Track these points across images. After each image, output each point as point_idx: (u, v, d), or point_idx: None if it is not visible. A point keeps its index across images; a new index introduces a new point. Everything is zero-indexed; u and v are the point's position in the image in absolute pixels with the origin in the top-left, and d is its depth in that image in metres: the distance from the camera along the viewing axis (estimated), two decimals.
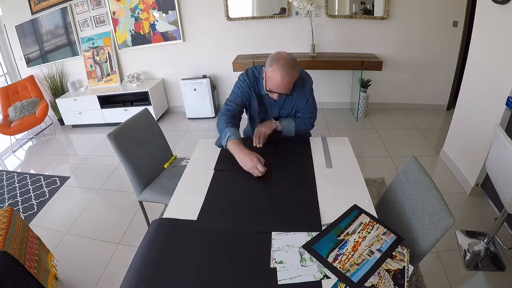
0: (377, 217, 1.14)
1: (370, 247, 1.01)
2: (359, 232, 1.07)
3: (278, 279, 0.93)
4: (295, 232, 1.08)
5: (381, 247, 1.01)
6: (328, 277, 0.92)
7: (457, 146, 2.56)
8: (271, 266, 0.97)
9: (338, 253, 1.00)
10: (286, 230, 1.09)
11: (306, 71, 1.69)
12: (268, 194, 1.30)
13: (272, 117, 1.72)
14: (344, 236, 1.06)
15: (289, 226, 1.10)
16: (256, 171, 1.35)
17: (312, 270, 0.95)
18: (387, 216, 1.31)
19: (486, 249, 1.78)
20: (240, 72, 1.80)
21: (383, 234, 1.05)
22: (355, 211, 1.16)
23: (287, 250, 1.02)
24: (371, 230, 1.07)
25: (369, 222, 1.11)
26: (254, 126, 1.78)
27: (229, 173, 1.44)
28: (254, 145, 1.57)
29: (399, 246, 1.02)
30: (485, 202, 2.21)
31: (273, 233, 1.08)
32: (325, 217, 1.15)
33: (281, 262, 0.98)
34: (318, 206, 1.19)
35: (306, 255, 1.00)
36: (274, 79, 1.41)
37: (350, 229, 1.08)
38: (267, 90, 1.51)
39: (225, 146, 1.49)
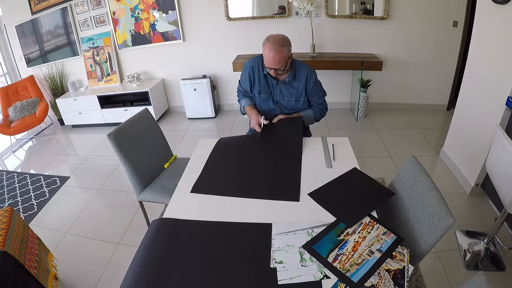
0: (377, 217, 1.14)
1: (370, 247, 1.01)
2: (359, 232, 1.07)
3: (278, 279, 0.93)
4: (295, 232, 1.08)
5: (381, 247, 1.01)
6: (328, 277, 0.92)
7: (457, 146, 2.56)
8: (271, 266, 0.97)
9: (338, 253, 1.00)
10: (268, 198, 1.26)
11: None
12: (258, 167, 1.51)
13: (277, 100, 1.86)
14: (344, 236, 1.06)
15: (271, 194, 1.28)
16: (256, 127, 1.74)
17: (312, 270, 0.95)
18: (387, 216, 1.31)
19: (486, 249, 1.78)
20: (240, 73, 1.88)
21: (383, 234, 1.05)
22: None
23: (287, 250, 1.02)
24: (371, 230, 1.07)
25: (369, 222, 1.11)
26: (257, 107, 1.92)
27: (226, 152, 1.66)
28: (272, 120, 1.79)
29: (399, 246, 1.02)
30: (485, 202, 2.21)
31: (273, 233, 1.08)
32: (325, 217, 1.15)
33: (281, 262, 0.98)
34: (300, 178, 1.36)
35: (306, 255, 1.00)
36: (265, 55, 1.64)
37: (350, 229, 1.08)
38: (266, 68, 1.73)
39: (243, 112, 1.91)
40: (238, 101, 2.00)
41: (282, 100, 1.84)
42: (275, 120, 1.79)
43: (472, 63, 2.33)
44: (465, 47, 3.24)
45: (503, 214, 1.60)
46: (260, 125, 1.73)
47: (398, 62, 3.56)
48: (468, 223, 2.02)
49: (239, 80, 1.97)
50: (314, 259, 0.98)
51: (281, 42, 1.61)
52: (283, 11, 3.48)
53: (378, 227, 1.08)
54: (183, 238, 1.10)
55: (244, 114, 1.94)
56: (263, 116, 1.74)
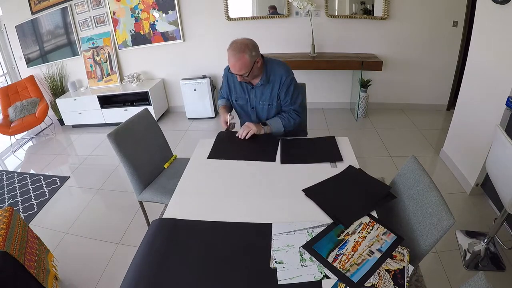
0: (377, 217, 1.14)
1: (370, 247, 1.01)
2: (359, 232, 1.07)
3: (278, 279, 0.93)
4: (295, 232, 1.08)
5: (381, 247, 1.01)
6: (328, 277, 0.92)
7: (457, 146, 2.56)
8: (271, 266, 0.97)
9: (338, 253, 1.00)
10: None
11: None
12: None
13: (253, 106, 1.83)
14: (344, 236, 1.06)
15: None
16: (223, 124, 1.80)
17: (312, 270, 0.95)
18: (387, 216, 1.31)
19: (486, 249, 1.78)
20: None
21: (383, 234, 1.05)
22: None
23: (287, 250, 1.02)
24: (371, 230, 1.07)
25: (369, 222, 1.11)
26: (241, 121, 1.92)
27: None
28: (239, 136, 1.73)
29: (399, 246, 1.02)
30: (485, 202, 2.21)
31: (273, 233, 1.08)
32: (325, 217, 1.15)
33: (281, 262, 0.98)
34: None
35: (306, 255, 1.00)
36: (228, 61, 1.63)
37: (350, 229, 1.08)
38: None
39: (218, 110, 1.92)
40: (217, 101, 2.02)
41: (258, 105, 1.81)
42: (241, 130, 1.73)
43: (472, 63, 2.33)
44: (465, 47, 3.24)
45: (503, 214, 1.60)
46: (226, 122, 1.77)
47: (398, 62, 3.56)
48: (468, 223, 2.02)
49: (221, 86, 1.98)
50: (314, 259, 0.98)
51: (242, 48, 1.57)
52: (274, 11, 3.47)
53: (378, 227, 1.08)
54: (183, 238, 1.10)
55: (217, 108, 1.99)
56: (228, 114, 1.78)
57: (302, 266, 0.97)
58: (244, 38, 1.64)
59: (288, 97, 1.75)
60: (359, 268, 0.94)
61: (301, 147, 1.64)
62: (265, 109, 1.80)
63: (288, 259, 0.99)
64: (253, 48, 1.61)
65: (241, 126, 1.90)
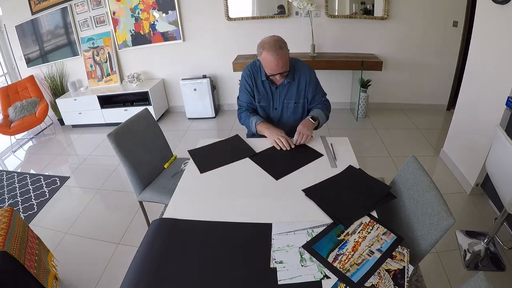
0: (377, 217, 1.14)
1: (370, 247, 1.01)
2: (359, 232, 1.07)
3: (278, 279, 0.93)
4: (295, 232, 1.08)
5: (381, 247, 1.01)
6: (328, 277, 0.92)
7: (457, 146, 2.56)
8: (271, 266, 0.97)
9: (338, 253, 1.00)
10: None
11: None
12: None
13: (276, 107, 1.78)
14: (344, 236, 1.06)
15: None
16: (282, 139, 1.56)
17: (312, 270, 0.95)
18: (387, 216, 1.31)
19: (486, 249, 1.78)
20: (241, 73, 1.86)
21: (383, 234, 1.05)
22: None
23: (287, 250, 1.02)
24: (371, 230, 1.07)
25: (369, 222, 1.11)
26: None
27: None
28: (295, 143, 1.58)
29: (399, 246, 1.01)
30: (485, 202, 2.21)
31: (273, 233, 1.08)
32: (325, 217, 1.15)
33: (281, 262, 0.98)
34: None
35: (306, 255, 1.00)
36: (268, 63, 1.57)
37: (350, 229, 1.08)
38: (269, 76, 1.66)
39: (255, 131, 1.71)
40: (242, 121, 1.80)
41: (281, 105, 1.76)
42: (296, 136, 1.57)
43: (472, 63, 2.33)
44: (465, 47, 3.24)
45: (503, 214, 1.60)
46: (283, 138, 1.56)
47: (398, 62, 3.56)
48: (468, 223, 2.02)
49: (238, 97, 1.85)
50: (314, 259, 0.98)
51: (279, 44, 1.55)
52: (282, 11, 3.48)
53: (378, 227, 1.08)
54: (183, 238, 1.10)
55: (254, 134, 1.75)
56: (288, 139, 1.57)
57: (302, 266, 0.97)
58: (273, 36, 1.61)
59: (318, 91, 1.76)
60: (359, 268, 0.94)
61: (279, 156, 1.56)
62: (291, 108, 1.76)
63: (288, 259, 0.99)
64: (285, 43, 1.61)
65: (250, 132, 1.84)
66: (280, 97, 1.75)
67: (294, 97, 1.74)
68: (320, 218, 1.14)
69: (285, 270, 0.95)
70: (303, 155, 1.54)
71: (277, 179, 1.38)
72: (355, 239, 1.04)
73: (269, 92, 1.75)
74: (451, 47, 3.37)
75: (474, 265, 1.73)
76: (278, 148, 1.56)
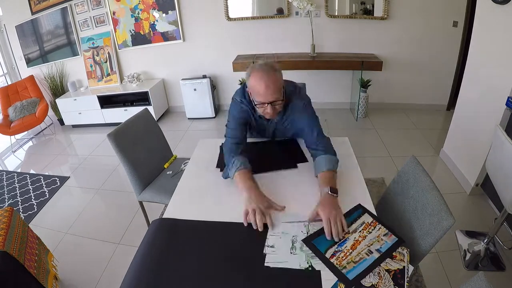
0: (376, 216, 1.14)
1: (369, 246, 1.01)
2: (360, 231, 1.07)
3: (265, 262, 0.96)
4: (293, 223, 1.10)
5: (381, 247, 1.01)
6: (313, 268, 0.94)
7: (457, 146, 2.56)
8: (264, 251, 1.01)
9: (336, 249, 1.01)
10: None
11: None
12: None
13: (268, 136, 1.60)
14: (345, 234, 1.06)
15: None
16: (257, 217, 1.09)
17: (300, 259, 0.97)
18: (387, 216, 1.31)
19: (486, 249, 1.78)
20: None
21: (384, 235, 1.05)
22: (359, 210, 1.16)
23: (281, 237, 1.06)
24: (372, 230, 1.07)
25: (372, 222, 1.10)
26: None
27: None
28: (334, 237, 1.05)
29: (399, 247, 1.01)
30: (485, 202, 2.21)
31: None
32: None
33: (272, 246, 1.02)
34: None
35: (298, 244, 1.02)
36: (255, 87, 1.27)
37: (351, 228, 1.08)
38: (257, 105, 1.33)
39: (232, 177, 1.32)
40: (225, 154, 1.39)
41: (277, 134, 1.59)
42: (337, 233, 1.05)
43: (472, 63, 2.33)
44: (465, 47, 3.24)
45: (503, 214, 1.60)
46: (259, 216, 1.10)
47: (398, 62, 3.56)
48: (468, 223, 2.02)
49: (227, 126, 1.47)
50: (304, 249, 1.01)
51: (270, 67, 1.27)
52: (281, 12, 3.48)
53: (380, 227, 1.08)
54: (183, 238, 1.10)
55: (227, 177, 1.36)
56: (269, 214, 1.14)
57: (291, 253, 1.00)
58: (265, 60, 1.37)
59: (316, 132, 1.39)
60: (355, 266, 0.95)
61: (263, 153, 1.55)
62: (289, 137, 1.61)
63: (280, 245, 1.02)
64: (279, 69, 1.31)
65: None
66: (270, 132, 1.57)
67: (288, 134, 1.58)
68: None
69: (274, 254, 0.99)
70: (287, 158, 1.49)
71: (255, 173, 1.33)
72: (355, 238, 1.05)
73: (262, 126, 1.53)
74: (451, 47, 3.37)
75: (474, 265, 1.73)
76: (245, 224, 1.12)
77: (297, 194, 1.27)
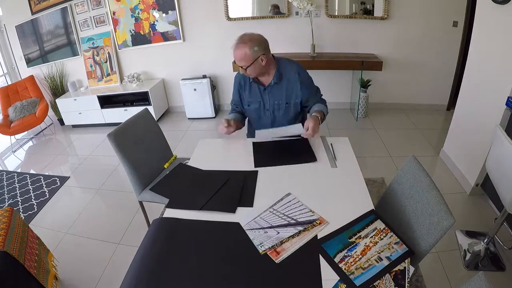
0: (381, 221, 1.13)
1: (380, 253, 1.00)
2: (372, 237, 1.06)
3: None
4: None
5: (391, 255, 0.99)
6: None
7: (457, 146, 2.56)
8: (260, 251, 1.01)
9: (346, 254, 0.99)
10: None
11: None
12: None
13: (268, 108, 1.77)
14: (356, 239, 1.05)
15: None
16: (220, 125, 1.67)
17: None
18: (387, 216, 1.31)
19: (486, 249, 1.78)
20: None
21: (395, 243, 1.04)
22: (371, 216, 1.14)
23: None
24: (384, 237, 1.06)
25: (384, 229, 1.09)
26: (253, 128, 1.83)
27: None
28: (304, 136, 1.58)
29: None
30: (485, 202, 2.21)
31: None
32: (324, 216, 1.15)
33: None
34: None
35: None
36: (233, 54, 1.61)
37: (362, 233, 1.07)
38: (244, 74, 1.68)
39: None
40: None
41: (273, 106, 1.75)
42: (307, 135, 1.56)
43: (472, 63, 2.33)
44: (465, 47, 3.24)
45: (503, 214, 1.60)
46: (227, 123, 1.65)
47: (398, 62, 3.56)
48: (468, 223, 2.02)
49: (232, 96, 1.93)
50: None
51: (245, 40, 1.57)
52: (277, 11, 3.47)
53: (392, 235, 1.06)
54: (184, 238, 1.10)
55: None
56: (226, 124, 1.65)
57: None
58: (255, 33, 1.62)
59: (312, 90, 1.77)
60: (364, 273, 0.93)
61: (274, 149, 1.64)
62: (282, 108, 1.75)
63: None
64: (258, 43, 1.58)
65: (252, 131, 1.86)
66: (269, 99, 1.74)
67: (285, 98, 1.73)
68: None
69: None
70: (297, 153, 1.57)
71: (255, 166, 1.47)
72: (365, 243, 1.03)
73: (258, 93, 1.76)
74: (451, 47, 3.37)
75: (474, 265, 1.73)
76: (224, 132, 1.66)
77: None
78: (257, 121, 1.84)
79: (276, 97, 1.73)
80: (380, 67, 3.25)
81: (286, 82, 1.70)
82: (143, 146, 1.86)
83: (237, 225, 1.14)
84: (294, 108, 1.76)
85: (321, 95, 1.83)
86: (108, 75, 4.07)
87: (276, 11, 3.49)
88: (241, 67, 1.62)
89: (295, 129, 1.62)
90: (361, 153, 2.87)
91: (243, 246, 1.05)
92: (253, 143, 1.69)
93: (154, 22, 3.73)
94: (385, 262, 0.97)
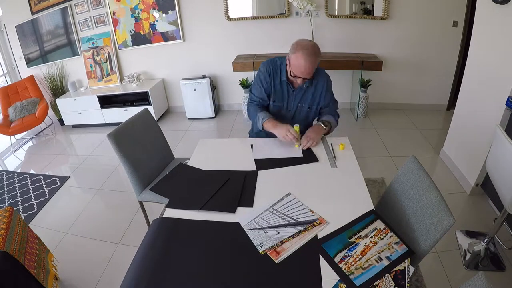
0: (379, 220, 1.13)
1: (379, 253, 1.00)
2: (372, 237, 1.06)
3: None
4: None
5: (391, 255, 0.99)
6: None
7: (457, 146, 2.56)
8: (260, 251, 1.01)
9: (346, 254, 0.99)
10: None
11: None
12: None
13: (290, 109, 1.76)
14: (356, 239, 1.05)
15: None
16: (289, 134, 1.57)
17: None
18: (387, 216, 1.31)
19: (486, 249, 1.78)
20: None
21: (395, 243, 1.04)
22: (371, 216, 1.14)
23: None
24: (384, 237, 1.06)
25: (384, 229, 1.09)
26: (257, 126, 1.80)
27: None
28: (302, 146, 1.60)
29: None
30: (485, 202, 2.21)
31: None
32: (324, 216, 1.15)
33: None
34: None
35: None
36: (297, 65, 1.55)
37: (362, 233, 1.07)
38: (291, 76, 1.63)
39: (262, 128, 1.69)
40: (249, 114, 1.80)
41: (295, 107, 1.75)
42: (304, 140, 1.60)
43: (472, 63, 2.33)
44: (465, 47, 3.24)
45: (503, 214, 1.60)
46: (291, 134, 1.56)
47: (398, 62, 3.56)
48: (468, 223, 2.02)
49: (251, 90, 1.82)
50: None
51: (315, 51, 1.55)
52: (282, 13, 3.48)
53: (392, 235, 1.07)
54: (184, 238, 1.10)
55: (260, 131, 1.76)
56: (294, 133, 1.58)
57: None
58: (310, 41, 1.59)
59: (332, 100, 1.78)
60: (364, 273, 0.94)
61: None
62: (304, 112, 1.76)
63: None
64: (319, 52, 1.58)
65: (256, 130, 1.82)
66: (295, 100, 1.74)
67: (309, 102, 1.74)
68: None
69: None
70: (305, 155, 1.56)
71: (257, 170, 1.45)
72: (365, 243, 1.03)
73: (285, 93, 1.74)
74: (451, 47, 3.37)
75: (474, 265, 1.73)
76: (293, 139, 1.58)
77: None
78: (277, 117, 1.76)
79: (301, 100, 1.74)
80: (380, 67, 3.25)
81: (315, 87, 1.72)
82: (143, 146, 1.86)
83: (237, 225, 1.14)
84: (314, 114, 1.80)
85: (337, 108, 1.83)
86: (108, 75, 4.07)
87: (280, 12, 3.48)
88: (304, 78, 1.59)
89: (295, 153, 1.59)
90: (361, 153, 2.87)
91: (243, 246, 1.05)
92: (251, 145, 1.68)
93: (154, 22, 3.73)
94: (385, 262, 0.97)
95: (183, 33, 3.75)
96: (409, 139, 3.15)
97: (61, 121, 4.22)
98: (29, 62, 4.25)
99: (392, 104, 3.81)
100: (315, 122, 1.83)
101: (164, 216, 1.21)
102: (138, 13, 3.71)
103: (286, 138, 1.57)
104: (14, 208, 1.75)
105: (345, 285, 0.90)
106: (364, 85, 3.40)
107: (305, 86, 1.69)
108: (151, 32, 3.79)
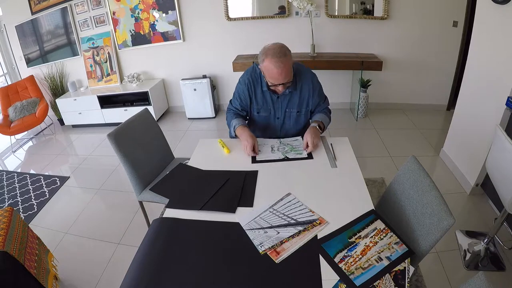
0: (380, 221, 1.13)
1: (379, 253, 1.00)
2: (372, 237, 1.06)
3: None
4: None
5: (391, 255, 0.99)
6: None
7: (457, 146, 2.56)
8: (260, 251, 1.01)
9: (346, 254, 0.99)
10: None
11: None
12: None
13: (278, 116, 1.71)
14: (356, 239, 1.05)
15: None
16: (247, 146, 1.53)
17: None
18: (387, 216, 1.31)
19: (486, 249, 1.78)
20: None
21: (395, 244, 1.04)
22: (371, 216, 1.14)
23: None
24: (384, 237, 1.06)
25: (384, 229, 1.09)
26: (255, 127, 1.80)
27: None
28: (304, 149, 1.56)
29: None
30: (485, 202, 2.21)
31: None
32: (324, 216, 1.15)
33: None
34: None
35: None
36: (270, 73, 1.47)
37: (362, 233, 1.07)
38: (270, 86, 1.56)
39: (235, 134, 1.68)
40: (227, 122, 1.77)
41: (283, 114, 1.70)
42: (305, 144, 1.56)
43: (472, 63, 2.33)
44: (465, 47, 3.24)
45: (503, 214, 1.60)
46: (254, 150, 1.54)
47: (398, 62, 3.56)
48: (468, 223, 2.02)
49: (231, 100, 1.79)
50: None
51: (284, 51, 1.44)
52: (283, 11, 3.48)
53: (392, 235, 1.06)
54: (184, 238, 1.10)
55: (234, 136, 1.73)
56: (255, 148, 1.54)
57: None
58: (276, 43, 1.49)
59: (321, 98, 1.71)
60: (364, 273, 0.93)
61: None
62: (293, 117, 1.70)
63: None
64: (289, 50, 1.49)
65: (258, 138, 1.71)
66: (282, 107, 1.68)
67: (297, 106, 1.67)
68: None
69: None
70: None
71: (252, 162, 1.47)
72: (365, 243, 1.03)
73: (269, 101, 1.67)
74: (451, 47, 3.37)
75: (474, 265, 1.73)
76: (248, 154, 1.54)
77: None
78: (265, 127, 1.77)
79: (288, 106, 1.68)
80: (380, 67, 3.25)
81: (300, 90, 1.64)
82: (143, 146, 1.86)
83: (237, 225, 1.14)
84: (304, 117, 1.73)
85: (328, 104, 1.78)
86: (108, 75, 4.07)
87: (281, 11, 3.47)
88: (284, 84, 1.50)
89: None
90: (361, 153, 2.87)
91: (243, 246, 1.05)
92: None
93: (154, 22, 3.73)
94: (385, 262, 0.97)
95: (183, 33, 3.75)
96: (409, 139, 3.15)
97: (61, 121, 4.22)
98: (29, 62, 4.25)
99: (392, 104, 3.81)
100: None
101: (164, 216, 1.21)
102: (138, 13, 3.71)
103: (244, 150, 1.55)
104: (14, 208, 1.75)
105: (345, 285, 0.90)
106: (364, 85, 3.40)
107: (288, 92, 1.62)
108: (151, 32, 3.79)
